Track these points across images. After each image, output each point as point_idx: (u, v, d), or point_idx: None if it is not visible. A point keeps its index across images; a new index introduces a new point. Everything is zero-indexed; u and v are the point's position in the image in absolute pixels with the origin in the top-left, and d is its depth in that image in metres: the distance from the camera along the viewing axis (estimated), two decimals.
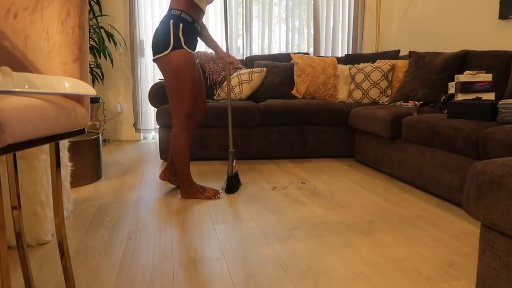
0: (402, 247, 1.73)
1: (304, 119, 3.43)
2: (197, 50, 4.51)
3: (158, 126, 4.07)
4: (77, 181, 2.66)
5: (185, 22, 2.22)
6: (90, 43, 4.29)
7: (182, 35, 2.20)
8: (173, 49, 2.18)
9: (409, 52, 3.57)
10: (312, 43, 4.79)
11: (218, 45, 2.51)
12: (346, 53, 4.71)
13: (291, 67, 4.03)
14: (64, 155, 2.07)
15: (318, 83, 3.91)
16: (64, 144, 2.08)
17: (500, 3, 3.20)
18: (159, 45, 2.22)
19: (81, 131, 1.09)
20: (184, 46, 2.20)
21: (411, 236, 1.84)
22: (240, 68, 4.03)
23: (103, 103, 4.59)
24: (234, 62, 2.49)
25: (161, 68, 2.26)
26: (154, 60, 2.28)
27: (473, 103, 2.25)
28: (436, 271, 1.51)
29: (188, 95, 2.25)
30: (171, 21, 2.21)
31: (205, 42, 2.53)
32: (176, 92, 2.23)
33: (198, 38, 2.39)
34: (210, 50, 4.57)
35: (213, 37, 4.60)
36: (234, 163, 2.54)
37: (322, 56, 4.17)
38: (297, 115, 3.42)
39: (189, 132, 2.33)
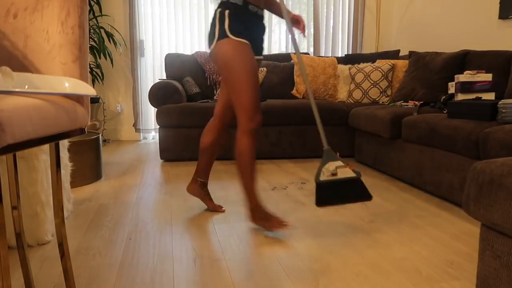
0: (402, 247, 1.73)
1: (304, 119, 3.43)
2: (196, 50, 4.51)
3: (158, 126, 4.07)
4: (77, 181, 2.66)
5: (233, 7, 1.92)
6: (90, 43, 4.29)
7: (229, 23, 1.90)
8: (218, 39, 1.91)
9: (409, 52, 3.57)
10: (312, 43, 4.79)
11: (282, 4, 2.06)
12: (346, 53, 4.71)
13: (291, 67, 4.03)
14: (64, 155, 2.07)
15: (318, 83, 3.91)
16: (64, 144, 2.08)
17: (500, 3, 3.20)
18: (208, 39, 1.98)
19: (81, 131, 1.09)
20: (230, 35, 1.89)
21: (411, 236, 1.84)
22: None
23: (103, 103, 4.59)
24: (301, 22, 2.10)
25: (214, 63, 1.98)
26: (209, 56, 1.99)
27: (473, 103, 2.25)
28: (436, 271, 1.51)
29: (245, 87, 1.88)
30: (218, 9, 1.95)
31: (271, 11, 2.15)
32: (232, 87, 1.91)
33: (258, 22, 2.01)
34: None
35: None
36: (332, 166, 1.84)
37: (322, 56, 4.17)
38: (297, 115, 3.42)
39: (255, 136, 1.92)
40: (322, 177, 1.81)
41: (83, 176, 2.70)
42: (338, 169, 1.82)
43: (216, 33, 1.90)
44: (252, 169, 1.90)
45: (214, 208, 2.21)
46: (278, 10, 2.13)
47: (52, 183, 1.12)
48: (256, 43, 1.99)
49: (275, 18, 4.67)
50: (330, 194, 1.83)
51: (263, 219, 1.91)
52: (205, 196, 2.23)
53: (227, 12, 1.91)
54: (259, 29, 2.00)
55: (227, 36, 1.88)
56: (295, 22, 2.08)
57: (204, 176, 2.21)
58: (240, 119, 1.89)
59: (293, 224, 1.99)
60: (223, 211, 2.19)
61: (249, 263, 1.58)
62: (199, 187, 2.23)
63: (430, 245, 1.74)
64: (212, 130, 2.14)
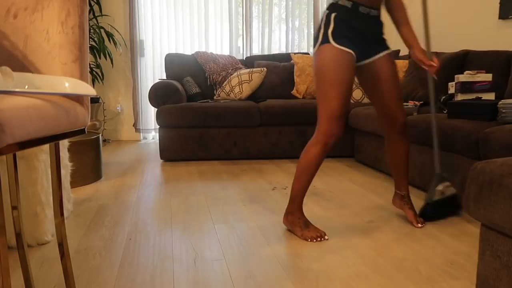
0: (402, 247, 1.73)
1: (304, 119, 3.43)
2: (196, 50, 4.52)
3: (158, 126, 4.07)
4: (77, 181, 2.66)
5: (339, 10, 1.82)
6: (90, 43, 4.29)
7: (333, 28, 1.81)
8: (320, 44, 1.82)
9: (409, 52, 3.57)
10: (312, 43, 4.79)
11: (416, 40, 2.01)
12: None
13: (291, 67, 4.03)
14: (64, 155, 2.07)
15: None
16: (64, 144, 2.08)
17: (500, 3, 3.20)
18: (314, 42, 1.90)
19: (81, 131, 1.09)
20: (332, 41, 1.79)
21: (411, 236, 1.84)
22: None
23: (103, 103, 4.59)
24: (435, 64, 2.01)
25: (313, 67, 1.93)
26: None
27: (473, 103, 2.25)
28: (436, 271, 1.51)
29: (333, 98, 1.79)
30: (326, 12, 1.86)
31: (393, 18, 2.03)
32: (320, 95, 1.83)
33: (371, 23, 1.90)
34: (210, 50, 4.57)
35: (214, 37, 4.58)
36: (441, 187, 2.03)
37: None
38: (297, 115, 3.42)
39: (327, 148, 1.83)
40: (435, 198, 2.03)
41: (83, 176, 2.70)
42: (446, 188, 2.06)
43: (320, 37, 1.83)
44: (310, 178, 1.86)
45: (411, 219, 2.01)
46: (399, 19, 2.05)
47: (52, 183, 1.12)
48: (368, 46, 1.93)
49: (275, 18, 4.66)
50: (437, 211, 2.06)
51: (298, 225, 1.86)
52: (405, 205, 2.06)
53: (333, 15, 1.82)
54: (372, 29, 1.90)
55: (329, 42, 1.80)
56: (419, 61, 2.04)
57: (400, 187, 2.08)
58: (319, 128, 1.83)
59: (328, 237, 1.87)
60: (418, 223, 1.99)
61: (249, 263, 1.58)
62: (399, 199, 2.09)
63: (430, 245, 1.74)
64: (392, 140, 2.04)
